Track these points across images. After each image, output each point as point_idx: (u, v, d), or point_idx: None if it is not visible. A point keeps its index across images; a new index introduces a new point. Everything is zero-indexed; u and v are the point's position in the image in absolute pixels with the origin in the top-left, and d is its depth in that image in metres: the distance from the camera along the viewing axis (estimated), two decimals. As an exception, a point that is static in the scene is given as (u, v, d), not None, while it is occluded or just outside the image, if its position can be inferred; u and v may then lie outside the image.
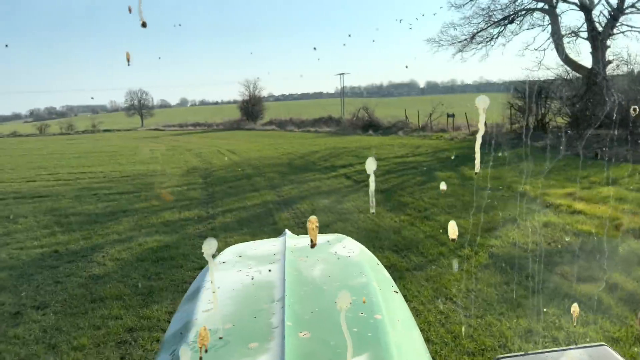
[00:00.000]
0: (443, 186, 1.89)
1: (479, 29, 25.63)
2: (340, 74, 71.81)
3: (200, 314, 1.66)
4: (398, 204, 10.20)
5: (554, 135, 19.83)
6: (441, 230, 8.07)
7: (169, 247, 8.04)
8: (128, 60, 1.55)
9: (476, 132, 1.15)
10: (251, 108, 52.42)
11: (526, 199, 9.87)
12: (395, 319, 1.63)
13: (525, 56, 49.81)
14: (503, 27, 24.46)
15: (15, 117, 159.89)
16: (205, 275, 2.12)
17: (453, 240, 1.37)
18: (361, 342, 1.41)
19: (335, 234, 2.73)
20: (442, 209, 9.51)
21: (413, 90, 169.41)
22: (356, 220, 9.15)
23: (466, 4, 25.56)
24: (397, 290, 1.97)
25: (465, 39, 26.18)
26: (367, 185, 12.66)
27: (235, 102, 60.65)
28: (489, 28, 25.42)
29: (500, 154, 16.67)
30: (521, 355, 1.64)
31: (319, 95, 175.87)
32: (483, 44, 24.96)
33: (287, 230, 2.89)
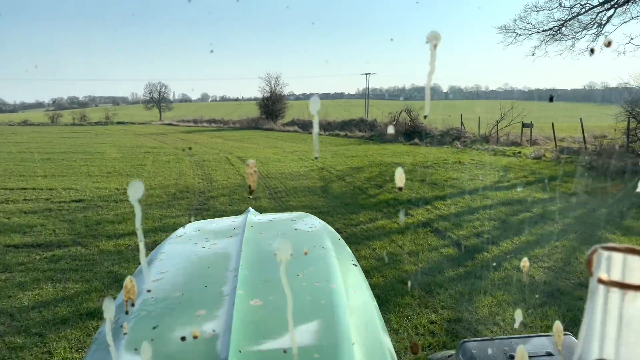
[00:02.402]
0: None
1: (573, 15, 19.09)
2: (365, 74, 65.69)
3: (150, 283, 1.52)
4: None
5: None
6: None
7: None
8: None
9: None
10: (271, 106, 46.18)
11: None
12: (350, 289, 1.52)
13: (625, 52, 42.19)
14: (613, 10, 17.86)
15: (39, 105, 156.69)
16: (160, 248, 1.95)
17: (400, 188, 0.88)
18: (314, 308, 1.33)
19: (300, 212, 2.59)
20: None
21: (436, 94, 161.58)
22: None
23: (554, -19, 19.09)
24: (357, 263, 1.87)
25: (553, 28, 19.65)
26: (498, 269, 6.10)
27: (255, 99, 54.31)
28: (587, 14, 18.87)
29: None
30: (487, 339, 1.52)
31: (340, 96, 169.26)
32: (589, 32, 18.35)
33: (250, 208, 2.66)
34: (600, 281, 0.49)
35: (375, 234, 7.71)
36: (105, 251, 7.03)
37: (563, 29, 19.46)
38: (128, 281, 0.88)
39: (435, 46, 0.71)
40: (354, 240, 7.36)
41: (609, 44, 1.10)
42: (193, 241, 1.99)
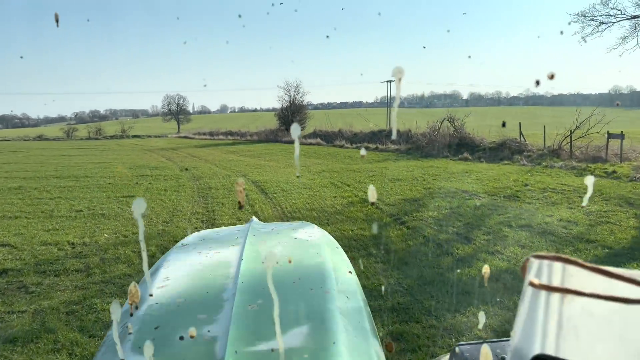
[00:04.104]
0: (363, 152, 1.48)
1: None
2: (387, 82, 61.36)
3: (154, 290, 1.56)
4: None
5: None
6: None
7: None
8: (57, 21, 1.37)
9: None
10: (291, 116, 42.26)
11: None
12: (343, 295, 1.57)
13: None
14: None
15: (61, 119, 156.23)
16: (166, 257, 1.98)
17: (372, 203, 1.07)
18: (307, 312, 1.38)
19: (301, 222, 2.59)
20: None
21: (456, 101, 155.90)
22: None
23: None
24: (352, 271, 1.88)
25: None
26: None
27: (274, 109, 50.43)
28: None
29: None
30: (480, 342, 1.46)
31: (358, 105, 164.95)
32: None
33: (254, 218, 2.67)
34: (532, 284, 0.52)
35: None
36: None
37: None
38: (132, 286, 0.95)
39: (399, 80, 0.76)
40: None
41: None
42: (197, 250, 2.01)
